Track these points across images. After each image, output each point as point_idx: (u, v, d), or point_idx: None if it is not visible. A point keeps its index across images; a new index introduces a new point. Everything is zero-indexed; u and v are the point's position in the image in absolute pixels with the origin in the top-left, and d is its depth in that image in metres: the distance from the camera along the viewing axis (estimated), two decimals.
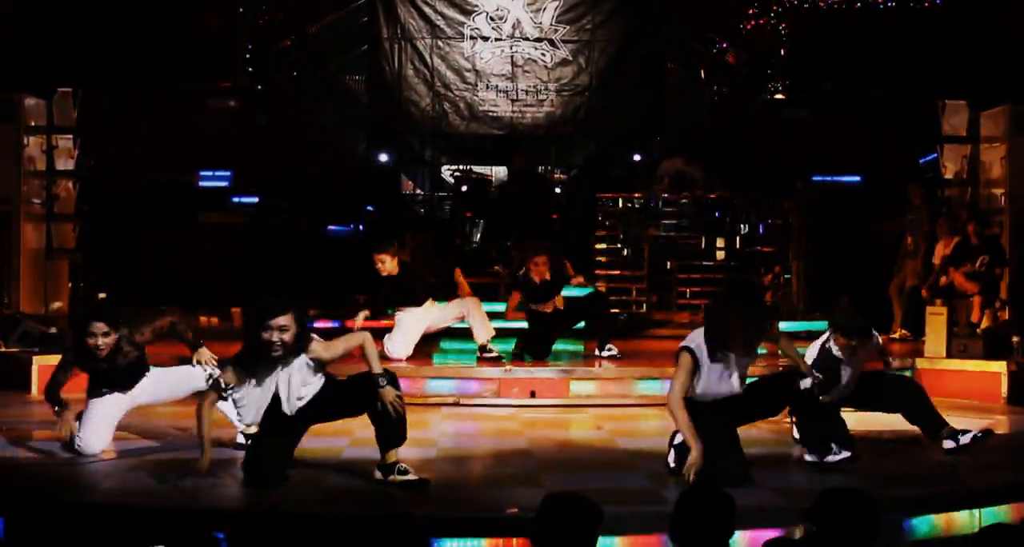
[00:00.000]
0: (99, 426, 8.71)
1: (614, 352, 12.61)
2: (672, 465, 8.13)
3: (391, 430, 7.62)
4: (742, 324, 7.75)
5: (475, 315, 12.40)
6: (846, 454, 8.24)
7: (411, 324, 12.42)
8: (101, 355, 8.43)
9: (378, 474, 7.66)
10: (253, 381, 7.60)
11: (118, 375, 8.67)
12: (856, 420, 10.46)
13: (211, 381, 7.83)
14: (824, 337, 9.15)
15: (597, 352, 12.70)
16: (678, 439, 8.14)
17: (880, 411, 9.43)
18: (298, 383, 7.63)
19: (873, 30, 18.72)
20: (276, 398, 7.65)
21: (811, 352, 9.10)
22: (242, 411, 7.79)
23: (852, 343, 8.90)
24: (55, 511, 4.88)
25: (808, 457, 8.34)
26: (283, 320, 7.43)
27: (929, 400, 9.33)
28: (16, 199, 14.69)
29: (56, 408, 8.67)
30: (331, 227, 18.87)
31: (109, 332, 8.42)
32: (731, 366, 7.90)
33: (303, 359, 7.62)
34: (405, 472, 7.62)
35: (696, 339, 7.84)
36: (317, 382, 7.72)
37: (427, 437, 9.87)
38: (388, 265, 12.15)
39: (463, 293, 12.73)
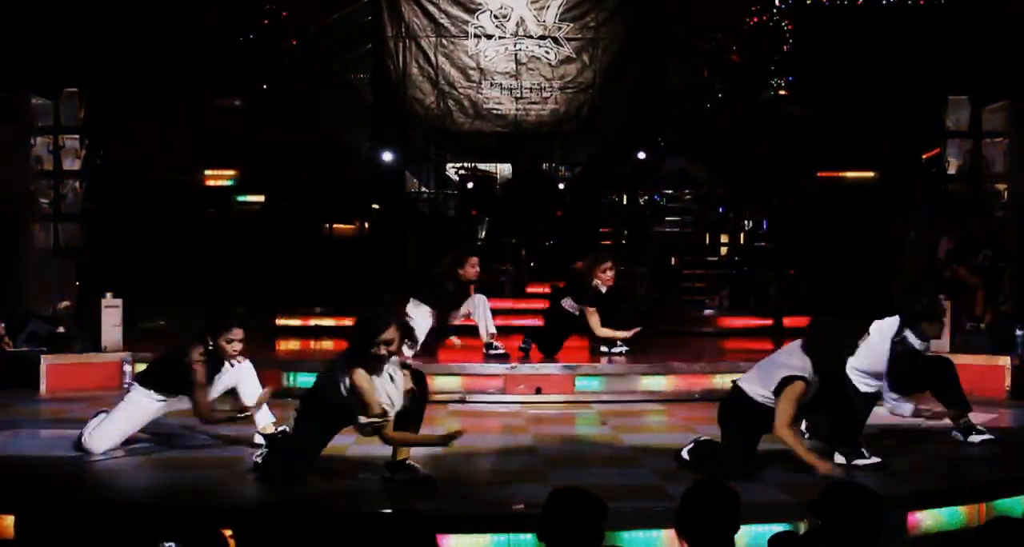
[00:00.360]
0: (123, 428, 8.73)
1: (622, 349, 12.63)
2: (686, 458, 8.18)
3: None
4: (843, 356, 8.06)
5: (481, 313, 12.41)
6: (876, 460, 8.21)
7: (420, 319, 12.41)
8: (235, 361, 8.42)
9: (386, 472, 7.69)
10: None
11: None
12: None
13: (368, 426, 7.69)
14: (892, 334, 9.10)
15: (605, 348, 12.72)
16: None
17: (915, 392, 9.41)
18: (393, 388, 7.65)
19: (874, 25, 18.70)
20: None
21: (876, 353, 9.05)
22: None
23: (942, 322, 9.23)
24: (66, 509, 4.90)
25: (837, 459, 8.27)
26: (390, 334, 7.44)
27: (959, 381, 9.34)
28: (24, 199, 14.73)
29: (240, 415, 8.70)
30: (336, 225, 18.87)
31: (244, 340, 8.48)
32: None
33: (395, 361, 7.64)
34: (413, 469, 7.64)
35: (806, 368, 7.87)
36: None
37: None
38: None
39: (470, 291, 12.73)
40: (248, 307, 13.61)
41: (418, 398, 7.77)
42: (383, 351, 7.38)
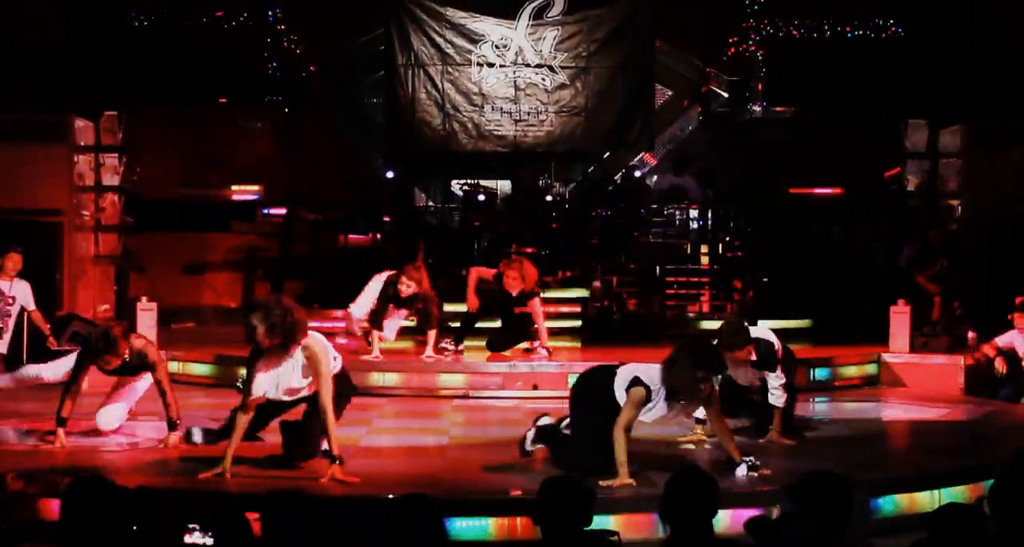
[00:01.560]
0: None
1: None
2: (528, 448, 8.12)
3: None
4: (693, 382, 7.52)
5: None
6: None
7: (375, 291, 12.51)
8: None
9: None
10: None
11: None
12: (830, 409, 10.54)
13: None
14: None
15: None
16: (542, 421, 8.24)
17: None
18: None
19: (840, 55, 18.73)
20: None
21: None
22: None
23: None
24: (106, 493, 4.92)
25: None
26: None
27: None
28: (67, 212, 14.76)
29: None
30: (351, 236, 18.87)
31: None
32: (679, 409, 7.76)
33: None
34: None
35: (656, 382, 7.61)
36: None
37: (440, 426, 9.93)
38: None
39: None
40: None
41: None
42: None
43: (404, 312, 12.55)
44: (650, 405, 7.63)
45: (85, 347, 8.94)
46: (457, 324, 13.31)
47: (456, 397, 11.62)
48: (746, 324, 9.01)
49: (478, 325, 13.34)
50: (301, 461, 7.82)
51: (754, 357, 8.82)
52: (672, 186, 18.30)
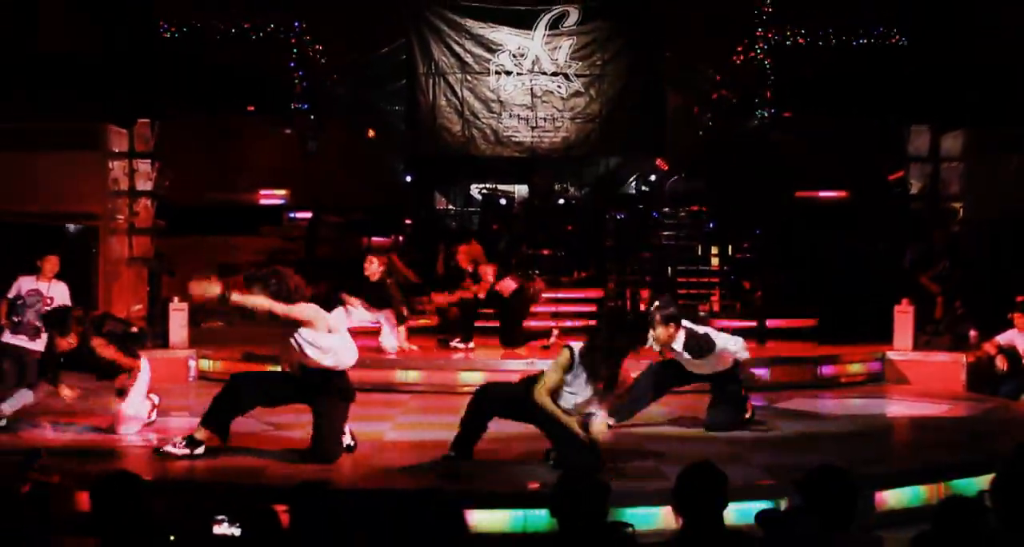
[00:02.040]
0: None
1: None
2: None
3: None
4: (610, 350, 7.58)
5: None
6: None
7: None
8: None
9: None
10: None
11: None
12: (835, 405, 10.51)
13: None
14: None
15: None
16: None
17: None
18: None
19: (845, 63, 18.71)
20: None
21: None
22: None
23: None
24: (134, 487, 4.93)
25: None
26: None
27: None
28: (102, 216, 14.83)
29: None
30: (375, 238, 18.92)
31: None
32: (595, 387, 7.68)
33: None
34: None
35: (576, 349, 7.66)
36: None
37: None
38: None
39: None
40: None
41: None
42: None
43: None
44: (572, 374, 7.61)
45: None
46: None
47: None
48: (672, 309, 9.16)
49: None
50: (333, 459, 7.84)
51: (679, 341, 8.97)
52: (684, 189, 18.28)
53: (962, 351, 12.56)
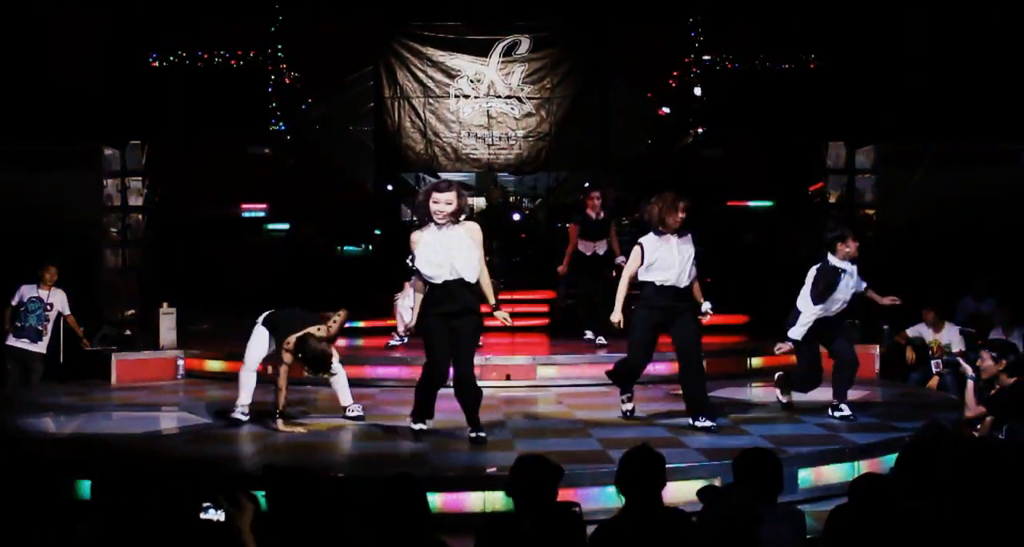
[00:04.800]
0: None
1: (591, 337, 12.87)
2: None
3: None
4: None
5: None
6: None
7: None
8: None
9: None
10: None
11: None
12: (763, 392, 10.57)
13: None
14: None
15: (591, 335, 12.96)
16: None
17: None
18: None
19: (770, 85, 18.90)
20: None
21: (804, 295, 9.20)
22: None
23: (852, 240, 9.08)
24: (129, 474, 4.88)
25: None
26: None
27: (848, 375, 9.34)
28: (98, 229, 14.71)
29: None
30: (346, 247, 18.87)
31: None
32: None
33: None
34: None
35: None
36: None
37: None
38: None
39: None
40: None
41: None
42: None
43: None
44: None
45: None
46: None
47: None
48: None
49: None
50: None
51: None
52: (617, 200, 18.33)
53: (875, 342, 12.68)
